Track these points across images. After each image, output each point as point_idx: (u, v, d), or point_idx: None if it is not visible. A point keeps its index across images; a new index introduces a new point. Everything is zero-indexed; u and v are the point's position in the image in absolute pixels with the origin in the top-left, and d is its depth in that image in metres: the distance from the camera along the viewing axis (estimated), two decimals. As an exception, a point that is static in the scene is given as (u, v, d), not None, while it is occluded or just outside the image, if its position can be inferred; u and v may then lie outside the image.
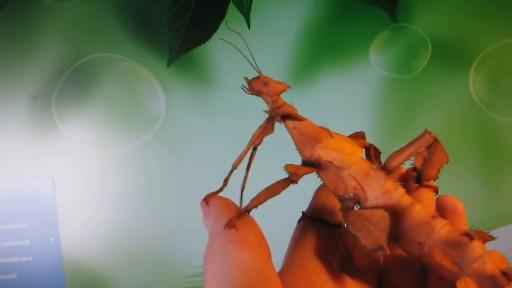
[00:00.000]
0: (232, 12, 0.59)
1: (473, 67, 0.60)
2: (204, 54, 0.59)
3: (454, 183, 0.59)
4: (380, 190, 0.23)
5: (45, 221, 0.59)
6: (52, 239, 0.59)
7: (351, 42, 0.59)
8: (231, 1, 0.58)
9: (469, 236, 0.21)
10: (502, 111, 0.60)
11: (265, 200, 0.22)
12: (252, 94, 0.26)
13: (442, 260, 0.21)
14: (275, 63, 0.59)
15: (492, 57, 0.60)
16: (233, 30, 0.30)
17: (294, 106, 0.26)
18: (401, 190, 0.23)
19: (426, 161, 0.25)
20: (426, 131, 0.25)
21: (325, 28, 0.60)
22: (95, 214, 0.59)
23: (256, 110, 0.26)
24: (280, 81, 0.26)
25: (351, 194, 0.23)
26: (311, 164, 0.24)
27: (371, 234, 0.22)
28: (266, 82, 0.25)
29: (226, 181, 0.25)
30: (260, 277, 0.19)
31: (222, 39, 0.28)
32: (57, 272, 0.59)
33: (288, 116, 0.25)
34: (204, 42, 0.58)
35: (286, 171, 0.23)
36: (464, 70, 0.60)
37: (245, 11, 0.58)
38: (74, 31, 0.59)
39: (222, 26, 0.58)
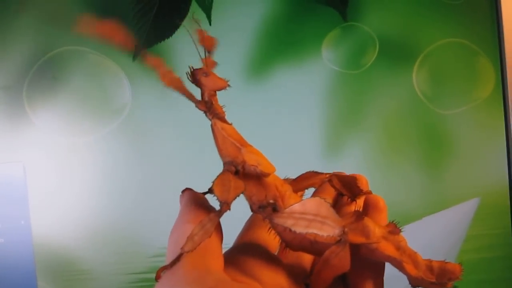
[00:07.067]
0: (195, 10, 0.61)
1: (416, 64, 0.63)
2: (167, 48, 0.62)
3: (399, 171, 0.63)
4: (292, 201, 0.24)
5: (16, 205, 0.61)
6: (23, 222, 0.60)
7: (304, 39, 0.63)
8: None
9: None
10: (442, 105, 0.64)
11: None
12: (192, 82, 0.25)
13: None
14: (234, 58, 0.62)
15: (433, 55, 0.64)
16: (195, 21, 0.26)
17: (224, 110, 0.25)
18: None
19: (344, 187, 0.26)
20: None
21: (281, 26, 0.63)
22: (64, 198, 0.61)
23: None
24: (223, 78, 0.25)
25: (271, 201, 0.24)
26: (233, 167, 0.24)
27: (325, 223, 0.23)
28: (207, 73, 0.24)
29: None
30: (204, 247, 0.22)
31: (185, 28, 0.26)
32: (28, 252, 0.61)
33: (217, 116, 0.25)
34: (167, 37, 0.61)
35: (216, 198, 0.23)
36: (408, 66, 0.63)
37: (207, 9, 0.62)
38: (45, 26, 0.61)
39: (184, 23, 0.61)
